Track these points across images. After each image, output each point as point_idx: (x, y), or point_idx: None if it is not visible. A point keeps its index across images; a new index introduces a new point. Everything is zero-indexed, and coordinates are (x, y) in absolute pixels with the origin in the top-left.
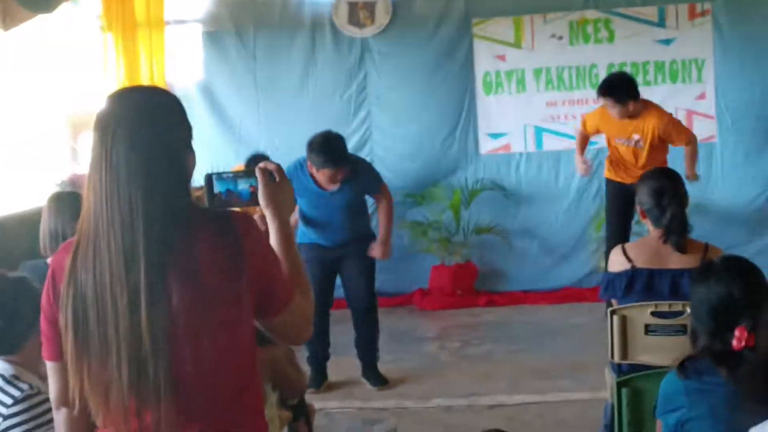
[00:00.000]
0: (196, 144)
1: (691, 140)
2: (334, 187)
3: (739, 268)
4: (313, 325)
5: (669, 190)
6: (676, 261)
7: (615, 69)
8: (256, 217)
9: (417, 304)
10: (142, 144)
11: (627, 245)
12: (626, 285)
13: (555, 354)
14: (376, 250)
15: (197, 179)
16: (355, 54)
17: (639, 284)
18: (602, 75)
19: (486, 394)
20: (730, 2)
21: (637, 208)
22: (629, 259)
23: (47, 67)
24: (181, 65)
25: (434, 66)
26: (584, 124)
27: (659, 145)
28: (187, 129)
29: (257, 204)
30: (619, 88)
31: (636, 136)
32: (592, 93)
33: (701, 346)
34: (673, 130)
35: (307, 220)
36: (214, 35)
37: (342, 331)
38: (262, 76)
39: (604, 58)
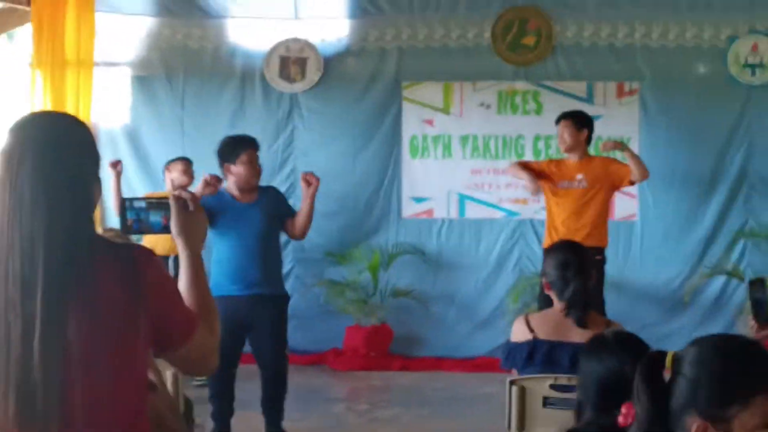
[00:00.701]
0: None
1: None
2: (251, 199)
3: (630, 343)
4: (217, 358)
5: (573, 263)
6: (577, 335)
7: (541, 141)
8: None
9: (330, 363)
10: (47, 172)
11: (530, 315)
12: (527, 356)
13: (463, 421)
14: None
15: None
16: (283, 108)
17: (539, 356)
18: (528, 146)
19: None
20: (657, 83)
21: (542, 279)
22: (531, 330)
23: None
24: (109, 107)
25: (362, 126)
26: (541, 164)
27: (601, 198)
28: (94, 158)
29: (169, 232)
30: (579, 114)
31: (579, 176)
32: None
33: (586, 420)
34: (618, 166)
35: (220, 257)
36: (143, 79)
37: (249, 387)
38: (189, 123)
39: (531, 130)
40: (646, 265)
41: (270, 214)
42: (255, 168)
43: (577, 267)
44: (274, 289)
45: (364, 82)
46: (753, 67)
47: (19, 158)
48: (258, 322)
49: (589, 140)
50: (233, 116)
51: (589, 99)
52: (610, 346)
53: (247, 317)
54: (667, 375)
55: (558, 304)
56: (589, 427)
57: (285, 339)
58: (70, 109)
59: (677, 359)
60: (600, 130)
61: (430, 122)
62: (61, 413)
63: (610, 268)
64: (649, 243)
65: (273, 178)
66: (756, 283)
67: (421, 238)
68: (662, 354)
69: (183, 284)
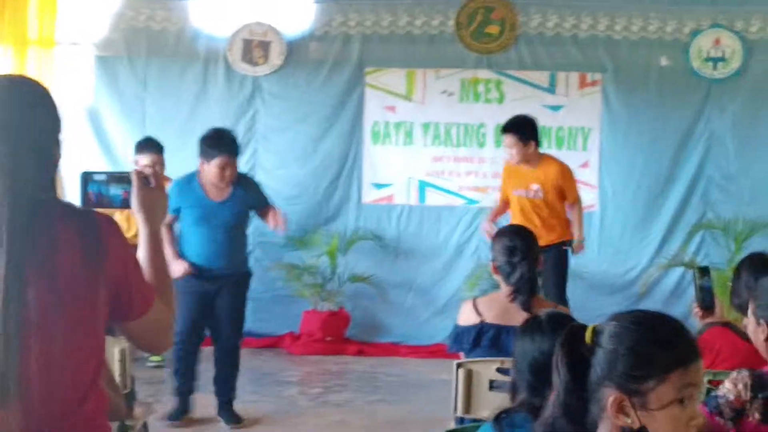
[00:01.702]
0: (76, 168)
1: (577, 199)
2: (222, 197)
3: (564, 324)
4: (173, 339)
5: (521, 248)
6: (523, 319)
7: None
8: None
9: (286, 347)
10: (10, 134)
11: (478, 300)
12: (474, 339)
13: (414, 407)
14: (272, 219)
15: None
16: (245, 92)
17: (486, 339)
18: (489, 135)
19: None
20: (619, 75)
21: (491, 264)
22: (479, 314)
23: None
24: (71, 87)
25: (324, 111)
26: (503, 185)
27: (557, 200)
28: (56, 121)
29: (129, 207)
30: (523, 127)
31: (535, 186)
32: (478, 151)
33: (520, 400)
34: (568, 182)
35: (189, 244)
36: (106, 60)
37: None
38: (151, 105)
39: (492, 118)
40: (604, 255)
41: (241, 211)
42: (226, 174)
43: (524, 252)
44: (237, 268)
45: (327, 67)
46: (715, 61)
47: None
48: (222, 297)
49: (538, 145)
50: (195, 99)
51: (551, 89)
52: (544, 327)
53: (212, 292)
54: (586, 348)
55: (505, 289)
56: (523, 407)
57: (243, 316)
58: None
59: (597, 332)
60: (562, 120)
61: (392, 109)
62: (20, 379)
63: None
64: (608, 234)
65: None
66: (701, 272)
67: (380, 224)
68: (583, 327)
69: (141, 260)
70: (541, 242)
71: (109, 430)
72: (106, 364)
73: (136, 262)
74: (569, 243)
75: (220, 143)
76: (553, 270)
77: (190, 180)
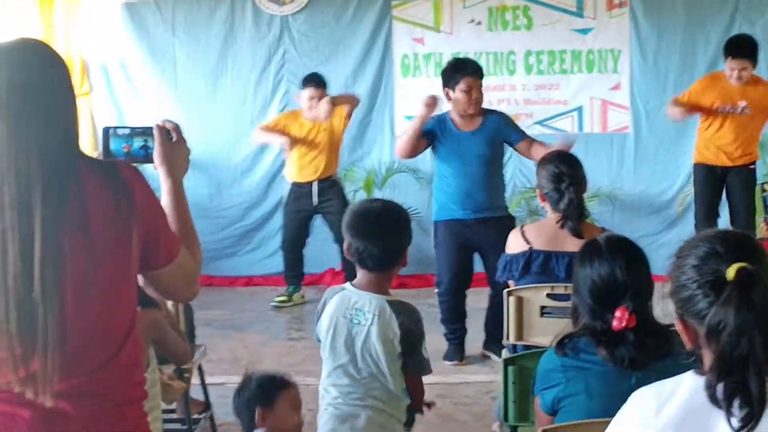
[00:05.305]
0: (110, 118)
1: None
2: (473, 127)
3: (622, 248)
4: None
5: (568, 175)
6: (572, 244)
7: (532, 57)
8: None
9: (327, 284)
10: (30, 94)
11: (526, 227)
12: (523, 266)
13: None
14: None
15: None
16: (274, 31)
17: (535, 266)
18: (519, 62)
19: None
20: None
21: (537, 191)
22: (527, 241)
23: None
24: (99, 37)
25: (353, 46)
26: (688, 93)
27: (760, 118)
28: (70, 79)
29: (152, 162)
30: (755, 52)
31: (742, 103)
32: (509, 79)
33: (581, 325)
34: None
35: (445, 182)
36: (133, 7)
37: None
38: (180, 50)
39: (521, 46)
40: (639, 176)
41: (493, 141)
42: (472, 96)
43: (572, 178)
44: (499, 211)
45: (354, 3)
46: None
47: (6, 82)
48: (487, 244)
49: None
50: (224, 41)
51: (579, 12)
52: (603, 251)
53: (474, 239)
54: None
55: (553, 215)
56: (584, 332)
57: None
58: (60, 39)
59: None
60: (590, 43)
61: (420, 41)
62: (60, 328)
63: (603, 180)
64: (642, 155)
65: (266, 104)
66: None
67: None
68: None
69: (165, 210)
70: (732, 162)
71: (144, 381)
72: (167, 308)
73: (162, 211)
74: (755, 163)
75: (463, 65)
76: (743, 192)
77: (441, 117)
